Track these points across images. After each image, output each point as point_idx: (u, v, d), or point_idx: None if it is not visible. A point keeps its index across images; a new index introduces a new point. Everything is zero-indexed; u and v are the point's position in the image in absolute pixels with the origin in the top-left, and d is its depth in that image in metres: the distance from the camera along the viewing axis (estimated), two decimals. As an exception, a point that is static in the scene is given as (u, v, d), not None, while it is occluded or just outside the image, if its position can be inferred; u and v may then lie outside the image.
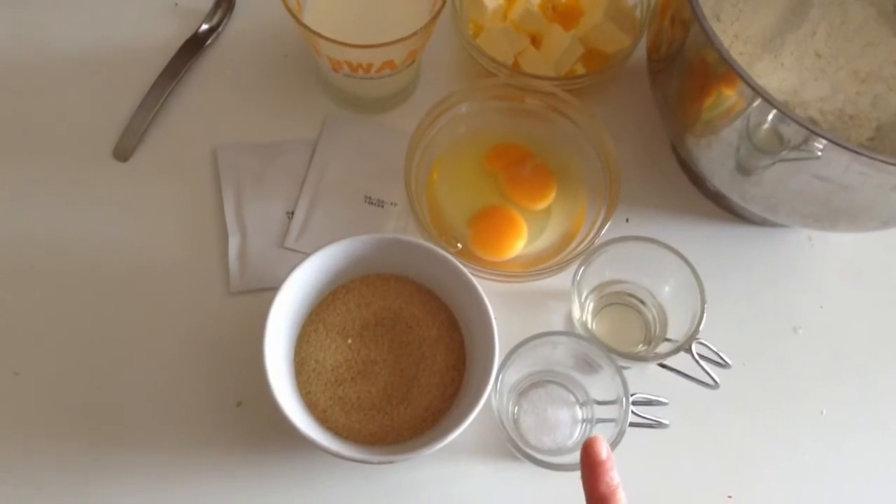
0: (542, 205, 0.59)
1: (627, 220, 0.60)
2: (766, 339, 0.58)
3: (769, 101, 0.43)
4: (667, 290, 0.55)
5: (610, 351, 0.50)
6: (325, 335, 0.52)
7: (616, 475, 0.41)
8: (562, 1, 0.63)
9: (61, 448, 0.53)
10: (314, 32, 0.53)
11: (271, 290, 0.49)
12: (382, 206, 0.60)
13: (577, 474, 0.53)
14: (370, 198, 0.60)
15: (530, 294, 0.58)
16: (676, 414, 0.52)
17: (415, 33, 0.53)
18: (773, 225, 0.60)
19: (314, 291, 0.52)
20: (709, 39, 0.44)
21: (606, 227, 0.55)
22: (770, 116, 0.45)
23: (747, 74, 0.43)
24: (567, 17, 0.62)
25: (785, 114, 0.42)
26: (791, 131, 0.45)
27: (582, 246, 0.55)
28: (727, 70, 0.44)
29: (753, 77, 0.55)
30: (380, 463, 0.48)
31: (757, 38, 0.59)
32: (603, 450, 0.41)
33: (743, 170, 0.50)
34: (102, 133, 0.60)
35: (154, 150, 0.60)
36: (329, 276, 0.52)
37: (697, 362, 0.50)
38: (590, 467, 0.41)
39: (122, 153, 0.59)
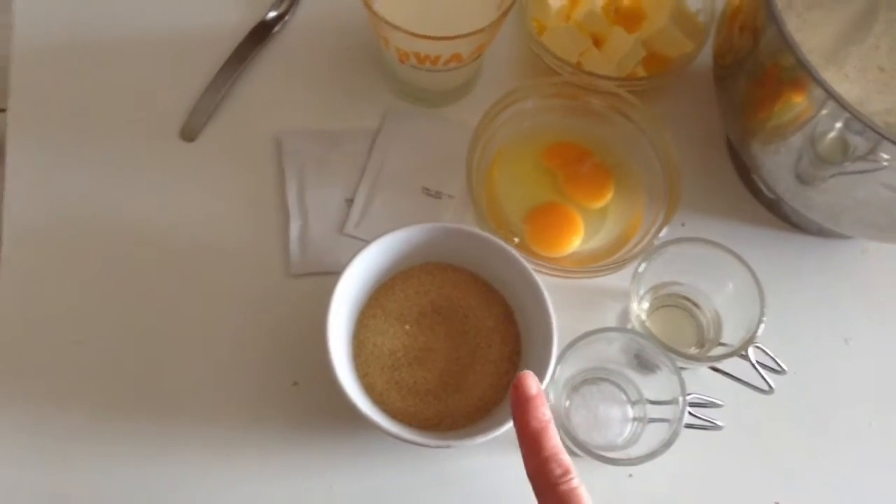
0: (599, 203, 0.59)
1: (683, 224, 0.60)
2: (816, 349, 0.58)
3: (843, 105, 0.43)
4: (725, 294, 0.55)
5: (668, 350, 0.51)
6: (384, 320, 0.53)
7: (547, 411, 0.40)
8: (625, 3, 0.64)
9: (119, 418, 0.53)
10: (386, 22, 0.54)
11: (329, 273, 0.50)
12: (440, 198, 0.60)
13: (626, 471, 0.54)
14: (428, 189, 0.61)
15: (583, 291, 0.58)
16: (726, 417, 0.52)
17: (485, 28, 0.54)
18: (828, 235, 0.60)
19: (374, 277, 0.53)
20: (785, 43, 0.44)
21: (665, 229, 0.55)
22: (839, 123, 0.45)
23: (821, 78, 0.44)
24: (630, 20, 0.63)
25: (858, 118, 0.43)
26: (859, 139, 0.45)
27: (640, 246, 0.56)
28: (801, 74, 0.45)
29: (828, 83, 0.56)
30: (437, 447, 0.48)
31: (819, 49, 0.59)
32: (532, 385, 0.40)
33: (808, 177, 0.50)
34: (170, 113, 0.61)
35: (219, 133, 0.61)
36: (390, 263, 0.53)
37: (754, 367, 0.51)
38: (519, 404, 0.40)
39: (189, 134, 0.60)
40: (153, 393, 0.54)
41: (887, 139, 0.43)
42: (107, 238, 0.58)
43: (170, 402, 0.54)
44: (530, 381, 0.40)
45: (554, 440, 0.39)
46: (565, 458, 0.39)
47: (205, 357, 0.55)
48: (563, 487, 0.37)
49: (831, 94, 0.43)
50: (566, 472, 0.38)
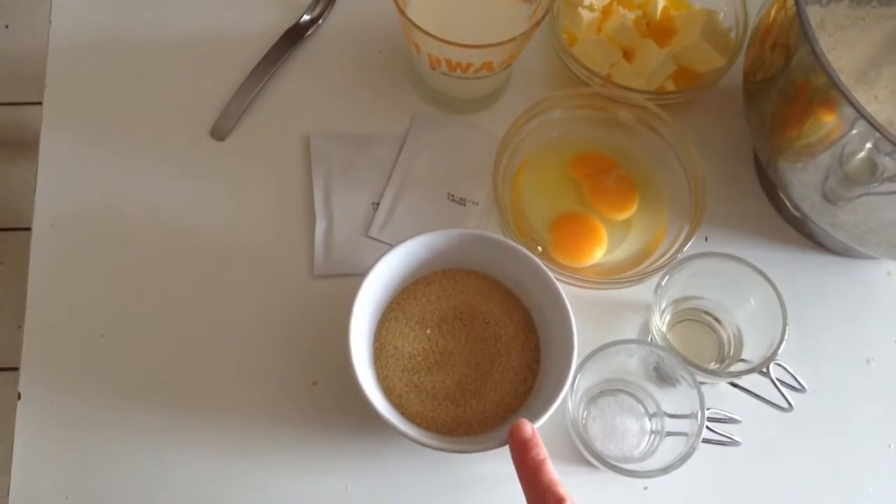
0: (623, 215, 0.59)
1: (707, 239, 0.60)
2: (838, 369, 0.58)
3: (875, 126, 0.43)
4: (746, 310, 0.55)
5: (688, 364, 0.51)
6: (405, 324, 0.53)
7: (543, 451, 0.44)
8: (657, 17, 0.64)
9: (140, 412, 0.54)
10: (419, 28, 0.54)
11: (353, 276, 0.51)
12: (464, 205, 0.61)
13: (641, 484, 0.54)
14: (453, 195, 0.61)
15: (605, 303, 0.58)
16: (744, 434, 0.52)
17: (516, 38, 0.54)
18: (853, 255, 0.60)
19: (397, 280, 0.53)
20: (818, 62, 0.44)
21: (689, 243, 0.55)
22: (869, 144, 0.45)
23: (854, 98, 0.44)
24: (660, 34, 0.63)
25: (889, 139, 0.43)
26: (888, 160, 0.45)
27: (663, 260, 0.56)
28: (832, 94, 0.45)
29: (861, 104, 0.56)
30: (455, 452, 0.48)
31: (851, 69, 0.59)
32: (527, 429, 0.45)
33: (835, 196, 0.50)
34: (202, 112, 0.62)
35: (250, 133, 0.62)
36: (412, 267, 0.53)
37: (774, 384, 0.51)
38: (517, 446, 0.45)
39: (220, 133, 0.61)
40: (174, 388, 0.55)
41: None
42: (134, 232, 0.58)
43: (190, 397, 0.55)
44: (525, 426, 0.46)
45: (550, 475, 0.43)
46: (561, 489, 0.43)
47: (226, 354, 0.56)
48: None
49: (862, 114, 0.43)
50: (561, 501, 0.42)
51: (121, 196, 0.59)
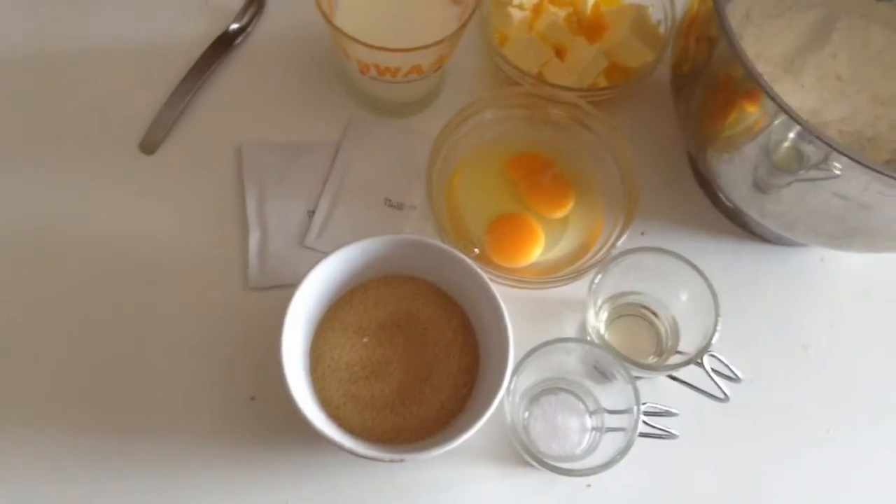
0: (559, 214, 0.59)
1: (643, 234, 0.61)
2: (775, 356, 0.59)
3: (793, 118, 0.43)
4: (681, 303, 0.55)
5: (623, 360, 0.51)
6: (342, 333, 0.53)
7: None
8: (587, 14, 0.64)
9: (76, 433, 0.53)
10: (345, 34, 0.54)
11: (289, 286, 0.50)
12: (402, 209, 0.60)
13: (584, 482, 0.54)
14: (390, 200, 0.61)
15: (544, 302, 0.58)
16: (684, 426, 0.52)
17: (443, 40, 0.54)
18: (786, 244, 0.61)
19: (332, 289, 0.53)
20: (736, 55, 0.45)
21: (623, 238, 0.56)
22: (792, 133, 0.46)
23: (772, 90, 0.44)
24: (592, 31, 0.63)
25: (808, 130, 0.43)
26: (812, 149, 0.45)
27: (598, 256, 0.56)
28: (752, 86, 0.45)
29: (778, 94, 0.56)
30: (391, 461, 0.48)
31: (779, 58, 0.59)
32: None
33: (762, 186, 0.51)
34: (130, 126, 0.61)
35: (180, 145, 0.61)
36: (347, 275, 0.53)
37: (709, 375, 0.51)
38: None
39: (149, 146, 0.60)
40: (109, 410, 0.54)
41: (836, 150, 0.43)
42: (64, 252, 0.57)
43: (126, 418, 0.54)
44: None
45: None
46: None
47: (163, 371, 0.55)
48: None
49: (781, 107, 0.44)
50: None
51: (48, 216, 0.58)
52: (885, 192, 0.43)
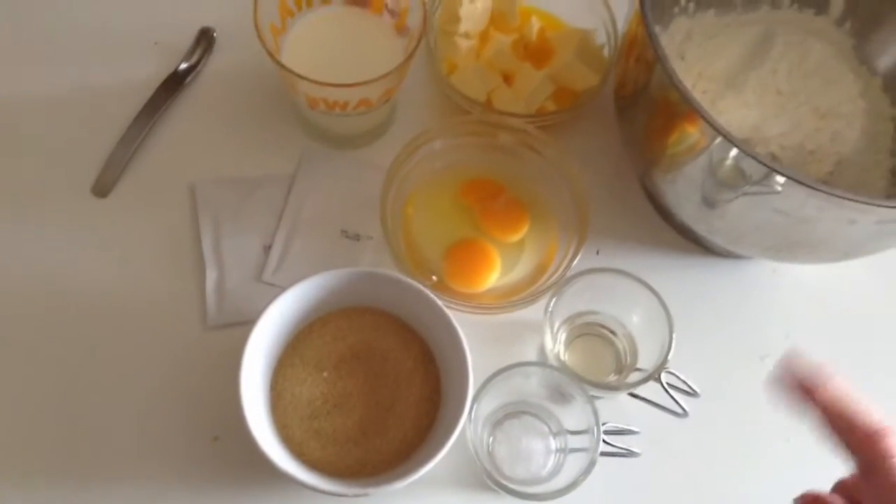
0: (515, 237, 0.60)
1: (598, 252, 0.61)
2: (733, 369, 0.60)
3: (729, 139, 0.44)
4: (636, 321, 0.56)
5: (581, 381, 0.51)
6: (302, 369, 0.53)
7: (837, 384, 0.35)
8: (533, 40, 0.65)
9: (34, 484, 0.53)
10: (291, 71, 0.54)
11: (249, 323, 0.50)
12: (359, 240, 0.61)
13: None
14: (347, 231, 0.61)
15: (505, 325, 0.59)
16: (647, 443, 0.53)
17: (389, 73, 0.54)
18: (738, 256, 0.62)
19: (291, 325, 0.53)
20: (671, 80, 0.46)
21: (577, 258, 0.56)
22: (732, 153, 0.47)
23: (707, 113, 0.45)
24: (538, 57, 0.64)
25: (744, 151, 0.44)
26: (752, 167, 0.46)
27: (554, 277, 0.57)
28: (689, 109, 0.46)
29: (717, 113, 0.58)
30: (355, 496, 0.48)
31: (721, 75, 0.61)
32: (802, 368, 0.36)
33: (707, 203, 0.52)
34: (82, 169, 0.60)
35: (133, 187, 0.61)
36: (305, 310, 0.53)
37: (666, 391, 0.52)
38: (801, 392, 0.35)
39: (102, 189, 0.60)
40: (69, 454, 0.53)
41: (772, 169, 0.44)
42: (17, 297, 0.57)
43: (88, 461, 0.53)
44: (797, 364, 0.36)
45: (862, 412, 0.35)
46: (868, 415, 0.34)
47: (122, 417, 0.54)
48: (883, 444, 0.33)
49: (717, 129, 0.45)
50: (879, 430, 0.34)
51: (0, 263, 0.58)
52: (822, 206, 0.44)
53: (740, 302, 0.61)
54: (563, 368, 0.52)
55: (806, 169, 0.57)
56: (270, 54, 0.55)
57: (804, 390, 0.36)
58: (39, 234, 0.59)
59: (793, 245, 0.51)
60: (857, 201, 0.42)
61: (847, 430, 0.35)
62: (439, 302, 0.51)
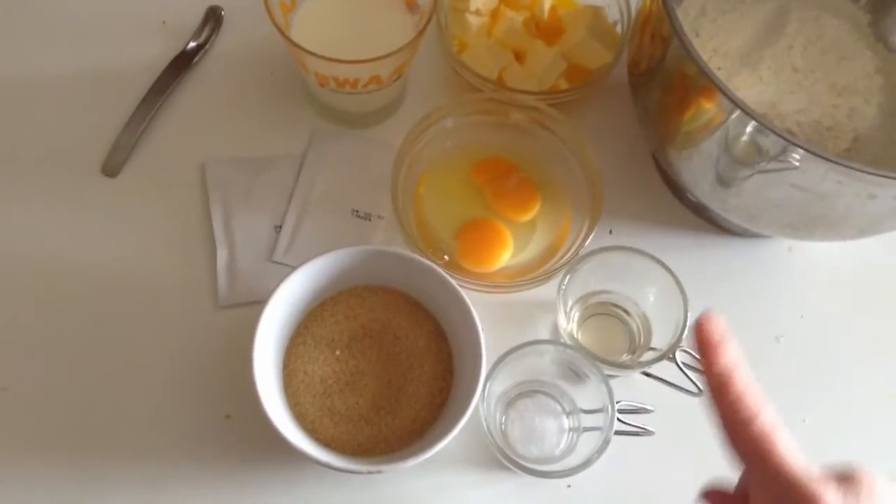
0: (527, 217, 0.59)
1: (611, 232, 0.61)
2: (747, 348, 0.57)
3: (748, 113, 0.44)
4: (650, 300, 0.55)
5: (595, 359, 0.51)
6: (314, 347, 0.53)
7: (735, 351, 0.37)
8: (545, 18, 0.64)
9: (49, 462, 0.53)
10: (301, 48, 0.54)
11: (260, 303, 0.50)
12: (370, 220, 0.60)
13: (564, 482, 0.54)
14: (357, 211, 0.61)
15: (517, 305, 0.58)
16: (661, 422, 0.52)
17: (400, 49, 0.54)
18: (753, 235, 0.61)
19: (302, 304, 0.53)
20: (688, 53, 0.45)
21: (590, 238, 0.56)
22: (749, 128, 0.46)
23: (726, 86, 0.44)
24: (550, 34, 0.63)
25: (763, 124, 0.43)
26: (769, 142, 0.46)
27: (567, 257, 0.56)
28: (706, 83, 0.45)
29: (733, 90, 0.57)
30: (368, 473, 0.48)
31: (735, 52, 0.60)
32: (716, 332, 0.37)
33: (723, 181, 0.51)
34: (91, 149, 0.60)
35: (142, 166, 0.60)
36: (317, 289, 0.53)
37: (682, 369, 0.51)
38: (705, 347, 0.37)
39: (111, 169, 0.60)
40: (83, 435, 0.53)
41: (791, 143, 0.43)
42: (29, 278, 0.57)
43: (101, 443, 0.53)
44: (714, 325, 0.37)
45: (745, 379, 0.36)
46: (758, 396, 0.35)
47: (135, 394, 0.54)
48: (756, 428, 0.34)
49: (736, 103, 0.44)
50: (759, 412, 0.35)
51: (11, 243, 0.57)
52: (842, 181, 0.44)
53: (755, 281, 0.61)
54: (577, 347, 0.52)
55: (823, 145, 0.56)
56: (280, 31, 0.54)
57: (707, 356, 0.36)
58: (49, 214, 0.58)
59: (811, 222, 0.50)
60: (878, 175, 0.42)
61: (717, 399, 0.36)
62: (452, 280, 0.51)
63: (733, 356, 0.36)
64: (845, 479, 0.33)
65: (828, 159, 0.42)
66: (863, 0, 0.62)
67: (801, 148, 0.43)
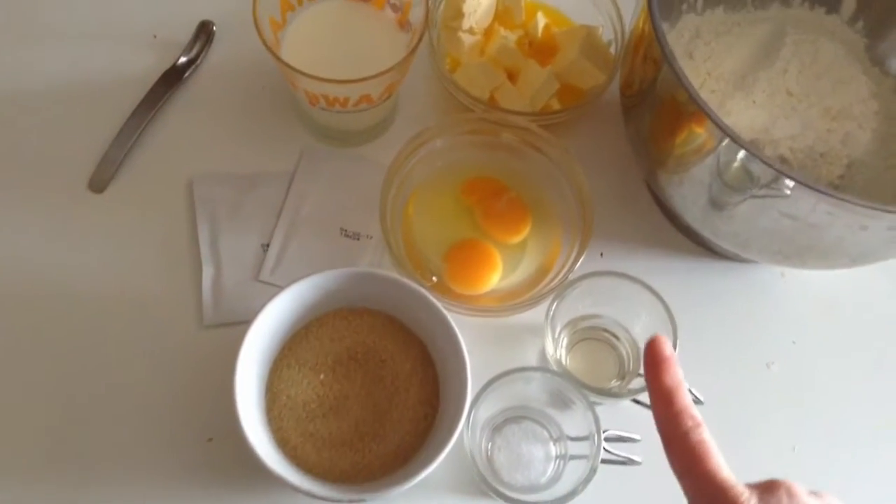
0: (517, 238, 0.59)
1: (602, 255, 0.60)
2: (738, 375, 0.58)
3: (737, 142, 0.43)
4: (640, 326, 0.55)
5: (582, 387, 0.50)
6: (298, 370, 0.52)
7: (680, 373, 0.41)
8: (538, 36, 0.64)
9: (28, 483, 0.52)
10: (289, 67, 0.53)
11: (245, 323, 0.49)
12: (358, 239, 0.60)
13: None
14: (346, 230, 0.60)
15: (506, 328, 0.58)
16: (648, 451, 0.51)
17: (390, 69, 0.53)
18: (746, 260, 0.61)
19: (287, 325, 0.52)
20: (678, 80, 0.44)
21: (580, 261, 0.55)
22: (739, 155, 0.45)
23: (715, 115, 0.44)
24: (543, 53, 0.63)
25: (752, 153, 0.43)
26: (760, 170, 0.45)
27: (557, 280, 0.56)
28: (696, 110, 0.45)
29: (725, 114, 0.57)
30: (350, 502, 0.47)
31: (729, 75, 0.60)
32: (666, 348, 0.41)
33: (714, 207, 0.51)
34: (78, 164, 0.59)
35: (130, 182, 0.60)
36: (302, 310, 0.52)
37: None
38: (655, 363, 0.41)
39: (98, 184, 0.59)
40: (62, 457, 0.52)
41: (782, 173, 0.43)
42: (12, 294, 0.56)
43: (79, 463, 0.52)
44: (664, 344, 0.41)
45: (687, 398, 0.40)
46: (696, 413, 0.40)
47: (116, 416, 0.54)
48: (695, 438, 0.39)
49: (725, 131, 0.43)
50: (698, 425, 0.39)
51: (-5, 258, 0.57)
52: (833, 212, 0.43)
53: (747, 306, 0.60)
54: (564, 374, 0.51)
55: (817, 172, 0.55)
56: (269, 49, 0.54)
57: (655, 366, 0.41)
58: (34, 229, 0.58)
59: (802, 250, 0.50)
60: (868, 207, 0.41)
61: (662, 407, 0.40)
62: (438, 304, 0.50)
63: (678, 376, 0.41)
64: (768, 487, 0.38)
65: (818, 190, 0.41)
66: (859, 24, 0.62)
67: (791, 178, 0.42)
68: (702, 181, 0.50)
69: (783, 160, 0.55)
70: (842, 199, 0.41)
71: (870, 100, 0.58)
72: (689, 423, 0.39)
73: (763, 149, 0.55)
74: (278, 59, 0.54)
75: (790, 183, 0.44)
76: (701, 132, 0.47)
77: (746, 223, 0.49)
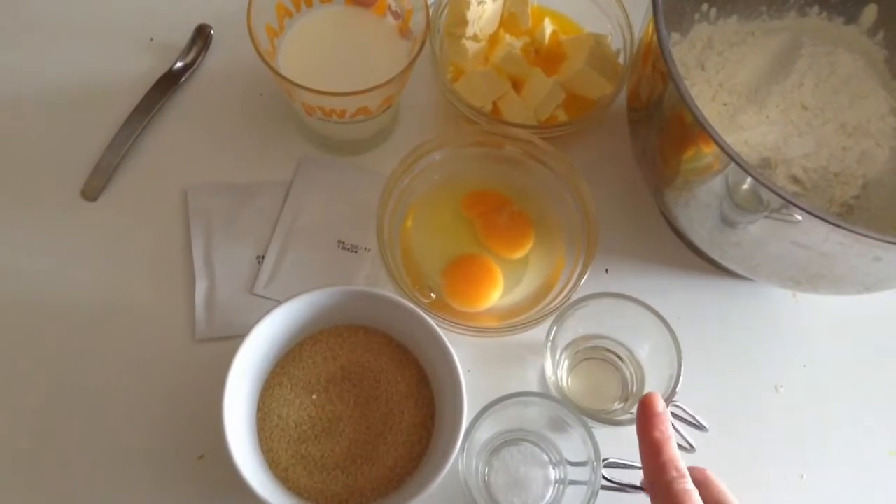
0: (519, 254, 0.57)
1: (607, 271, 0.59)
2: (746, 398, 0.57)
3: (744, 168, 0.41)
4: (645, 349, 0.53)
5: (582, 413, 0.49)
6: (290, 390, 0.51)
7: (670, 427, 0.45)
8: (545, 44, 0.62)
9: (14, 499, 0.51)
10: (286, 79, 0.52)
11: (238, 338, 0.48)
12: (356, 252, 0.58)
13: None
14: (343, 243, 0.58)
15: (506, 347, 0.56)
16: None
17: (388, 81, 0.52)
18: (756, 279, 0.59)
19: (280, 343, 0.51)
20: (683, 101, 0.42)
21: (585, 278, 0.53)
22: (748, 180, 0.43)
23: (721, 139, 0.42)
24: (549, 62, 0.61)
25: (759, 181, 0.41)
26: (770, 195, 0.43)
27: (560, 298, 0.54)
28: (702, 132, 0.43)
29: (737, 129, 0.55)
30: (342, 528, 0.46)
31: (743, 87, 0.57)
32: (659, 403, 0.45)
33: (722, 230, 0.49)
34: (71, 171, 0.58)
35: (123, 190, 0.58)
36: (296, 328, 0.51)
37: (673, 427, 0.49)
38: (647, 417, 0.44)
39: (91, 193, 0.58)
40: (49, 472, 0.52)
41: (792, 203, 0.41)
42: (2, 304, 0.55)
43: (68, 478, 0.52)
44: (657, 400, 0.45)
45: (674, 451, 0.43)
46: (682, 465, 0.43)
47: (106, 430, 0.53)
48: (678, 486, 0.42)
49: (732, 157, 0.41)
50: (682, 476, 0.42)
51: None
52: (845, 242, 0.41)
53: (756, 327, 0.58)
54: (563, 400, 0.49)
55: (831, 192, 0.53)
56: (264, 59, 0.52)
57: (647, 419, 0.44)
58: (24, 238, 0.57)
59: (814, 278, 0.48)
60: (881, 240, 0.39)
61: (650, 458, 0.44)
62: (434, 324, 0.49)
63: (668, 431, 0.44)
64: None
65: (829, 222, 0.40)
66: (879, 35, 0.59)
67: (801, 209, 0.40)
68: (709, 203, 0.48)
69: (795, 180, 0.53)
70: (854, 231, 0.39)
71: (889, 116, 0.56)
72: (674, 474, 0.42)
73: (775, 168, 0.53)
74: (273, 69, 0.52)
75: (800, 212, 0.42)
76: (708, 153, 0.45)
77: (755, 248, 0.48)
